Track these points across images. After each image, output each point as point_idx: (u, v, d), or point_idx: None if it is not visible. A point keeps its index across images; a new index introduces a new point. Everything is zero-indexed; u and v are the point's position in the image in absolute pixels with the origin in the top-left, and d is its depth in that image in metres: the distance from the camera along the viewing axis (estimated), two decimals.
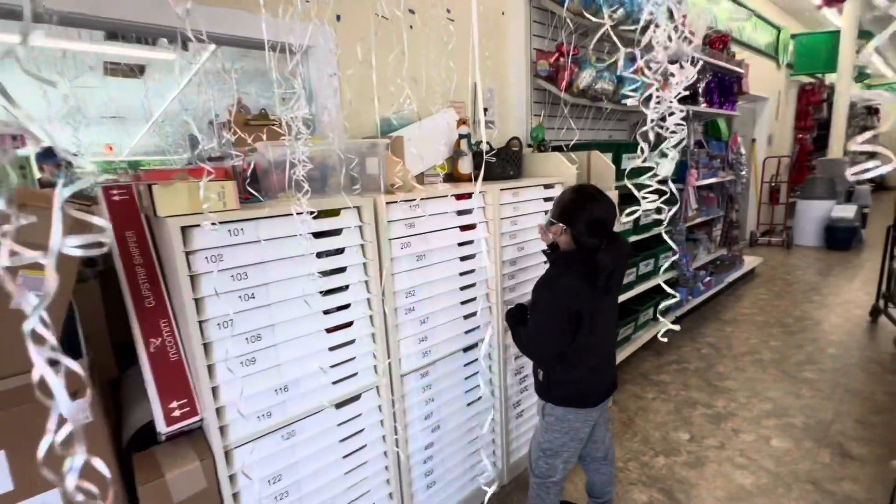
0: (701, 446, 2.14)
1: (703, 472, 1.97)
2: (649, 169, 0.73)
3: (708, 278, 3.94)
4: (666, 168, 0.69)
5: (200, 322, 1.06)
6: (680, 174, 3.21)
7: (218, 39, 1.68)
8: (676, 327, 0.76)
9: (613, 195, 2.26)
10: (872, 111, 10.94)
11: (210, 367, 1.10)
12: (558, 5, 2.47)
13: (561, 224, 1.33)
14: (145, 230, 1.30)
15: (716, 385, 2.68)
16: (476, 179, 1.40)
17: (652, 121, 0.69)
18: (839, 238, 5.76)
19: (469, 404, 1.74)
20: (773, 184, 6.52)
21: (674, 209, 0.79)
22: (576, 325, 1.31)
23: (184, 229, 1.03)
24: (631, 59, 0.78)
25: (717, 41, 3.68)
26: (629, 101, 0.76)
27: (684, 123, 0.72)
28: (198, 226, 1.03)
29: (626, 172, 0.95)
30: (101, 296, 1.29)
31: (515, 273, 1.84)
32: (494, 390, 1.83)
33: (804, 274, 4.90)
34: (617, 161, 2.58)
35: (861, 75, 7.01)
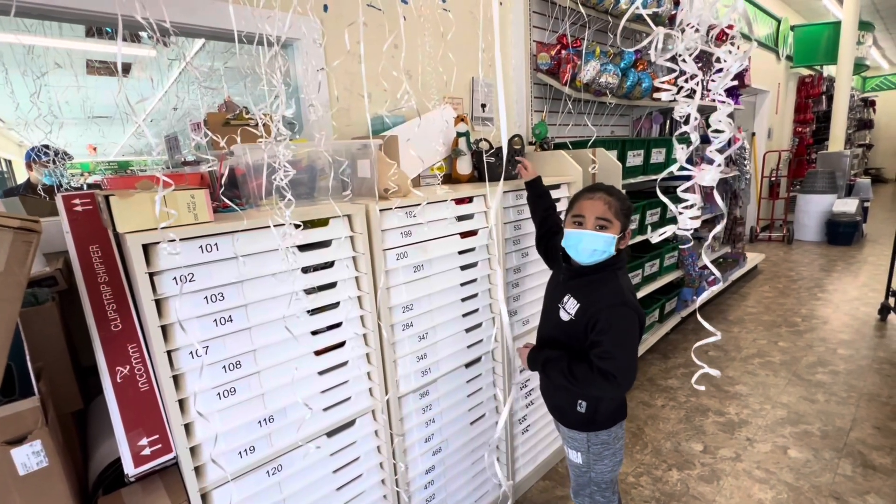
0: (716, 458, 2.04)
1: (720, 487, 1.87)
2: (680, 178, 0.60)
3: (712, 277, 3.84)
4: (711, 176, 0.57)
5: (169, 352, 0.93)
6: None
7: (194, 32, 1.54)
8: (717, 373, 0.64)
9: None
10: (869, 103, 10.90)
11: (182, 402, 0.97)
12: None
13: (629, 229, 1.22)
14: (112, 244, 1.16)
15: (726, 390, 2.58)
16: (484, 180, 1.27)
17: (696, 118, 0.57)
18: (841, 233, 5.68)
19: (472, 423, 1.63)
20: (772, 178, 6.44)
21: (720, 225, 0.67)
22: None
23: (148, 247, 0.89)
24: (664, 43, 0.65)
25: (722, 33, 3.56)
26: (663, 96, 0.64)
27: (731, 120, 0.60)
28: (163, 241, 0.89)
29: (658, 182, 0.82)
30: (62, 318, 1.15)
31: (520, 280, 1.72)
32: (499, 406, 1.71)
33: (807, 270, 4.81)
34: (622, 158, 2.47)
35: (858, 66, 6.91)
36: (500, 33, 2.38)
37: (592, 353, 1.13)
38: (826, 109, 7.27)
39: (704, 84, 0.56)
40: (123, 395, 1.06)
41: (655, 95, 0.64)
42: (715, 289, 3.90)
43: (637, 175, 2.63)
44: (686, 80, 0.57)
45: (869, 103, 10.87)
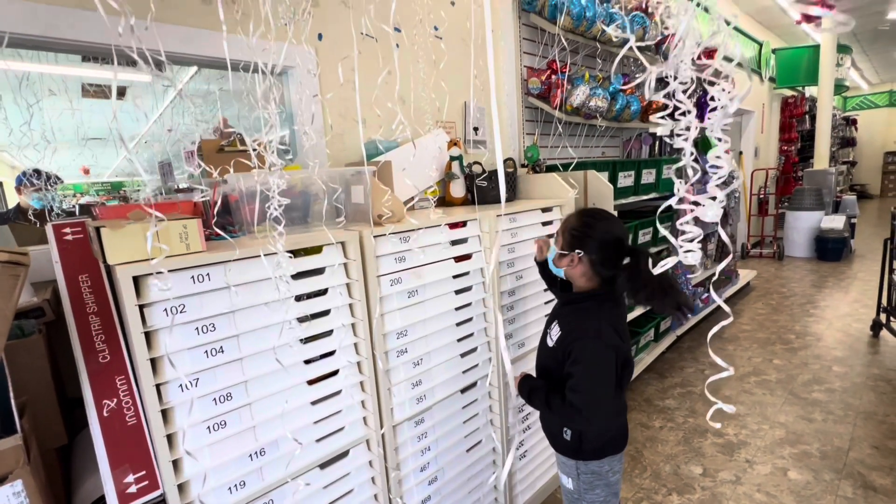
0: (715, 481, 2.01)
1: None
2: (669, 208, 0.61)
3: (706, 294, 3.85)
4: (712, 212, 0.57)
5: (158, 385, 0.91)
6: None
7: (190, 60, 1.56)
8: (731, 409, 0.64)
9: None
10: (851, 122, 11.20)
11: (171, 436, 0.94)
12: (548, 22, 2.41)
13: (576, 252, 1.16)
14: (102, 273, 1.15)
15: (724, 410, 2.56)
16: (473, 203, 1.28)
17: (692, 154, 0.58)
18: (830, 249, 5.76)
19: (468, 450, 1.60)
20: (761, 196, 6.55)
21: (725, 262, 0.68)
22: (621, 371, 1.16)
23: (138, 278, 0.88)
24: (658, 80, 0.68)
25: (706, 57, 3.66)
26: (659, 130, 0.65)
27: (730, 154, 0.61)
28: (155, 273, 0.88)
29: (658, 216, 0.84)
30: (48, 350, 1.13)
31: (515, 304, 1.72)
32: (496, 431, 1.69)
33: (799, 286, 4.85)
34: (613, 180, 2.50)
35: (838, 87, 7.15)
36: (492, 59, 2.44)
37: (567, 385, 1.12)
38: (810, 128, 7.46)
39: (699, 115, 0.57)
40: (110, 430, 1.03)
41: (651, 129, 0.66)
42: (708, 307, 3.91)
43: (628, 196, 2.66)
44: (682, 115, 0.58)
45: (851, 122, 11.19)
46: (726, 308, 0.79)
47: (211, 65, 1.61)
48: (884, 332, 3.35)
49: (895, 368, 2.92)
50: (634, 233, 2.71)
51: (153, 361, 0.91)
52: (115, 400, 1.06)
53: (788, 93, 7.54)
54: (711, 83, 0.54)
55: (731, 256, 0.82)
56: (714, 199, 0.56)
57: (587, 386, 1.09)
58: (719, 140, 0.55)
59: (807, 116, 7.58)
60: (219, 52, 1.52)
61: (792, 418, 2.45)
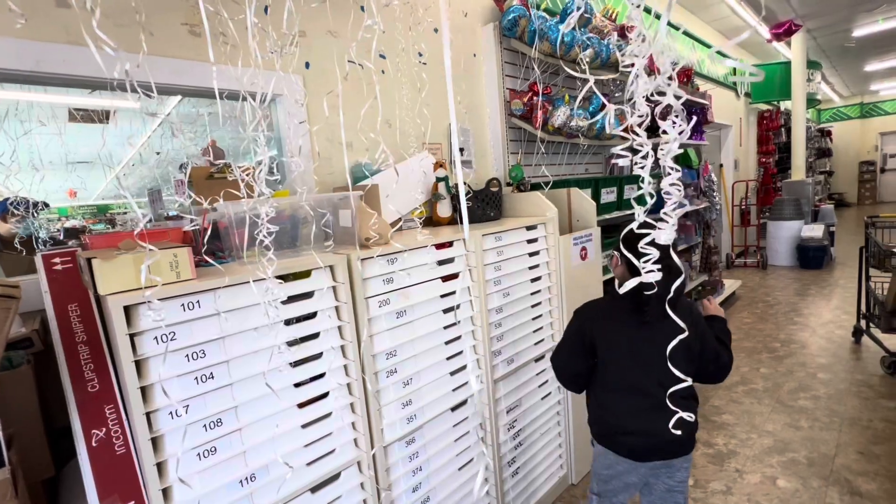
0: (706, 492, 2.02)
1: None
2: (645, 235, 0.65)
3: None
4: (666, 235, 0.62)
5: (148, 413, 0.92)
6: (658, 204, 3.22)
7: (182, 91, 1.60)
8: (691, 417, 0.67)
9: (596, 232, 2.22)
10: (825, 133, 11.59)
11: (160, 465, 0.95)
12: (528, 46, 2.50)
13: (616, 254, 1.36)
14: (91, 303, 1.16)
15: (713, 420, 2.59)
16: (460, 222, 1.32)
17: (650, 183, 0.63)
18: (811, 257, 5.90)
19: (460, 468, 1.60)
20: (742, 206, 6.72)
21: (679, 280, 0.72)
22: (591, 352, 1.30)
23: (129, 307, 0.90)
24: (619, 114, 0.73)
25: (682, 75, 3.81)
26: (620, 162, 0.70)
27: (681, 184, 0.66)
28: (145, 302, 0.90)
29: (622, 237, 0.88)
30: (36, 381, 1.13)
31: (502, 321, 1.75)
32: (487, 449, 1.69)
33: (783, 294, 4.96)
34: (596, 196, 2.57)
35: (811, 101, 7.46)
36: (475, 83, 2.52)
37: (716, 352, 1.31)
38: (786, 140, 7.71)
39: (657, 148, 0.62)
40: (98, 460, 1.03)
41: (613, 161, 0.70)
42: None
43: (612, 211, 2.73)
44: (640, 147, 0.63)
45: (826, 133, 11.58)
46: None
47: (199, 94, 1.65)
48: (865, 338, 3.43)
49: (877, 374, 2.98)
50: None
51: (143, 389, 0.92)
52: (105, 429, 1.06)
53: (764, 107, 7.81)
54: (664, 117, 0.59)
55: (682, 277, 0.86)
56: (668, 223, 0.61)
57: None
58: (670, 171, 0.60)
59: (783, 129, 7.84)
60: (207, 82, 1.56)
61: (779, 426, 2.48)
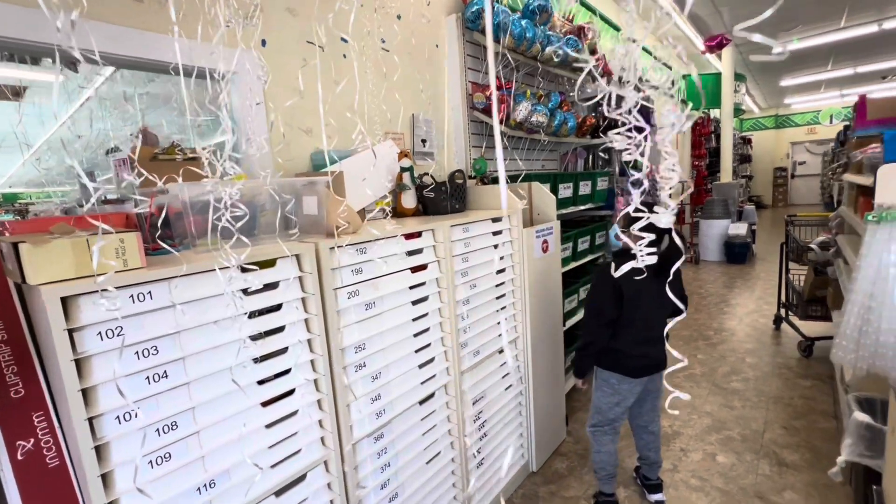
0: None
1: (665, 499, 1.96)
2: (639, 218, 0.67)
3: None
4: (666, 219, 0.63)
5: (91, 419, 0.82)
6: (609, 200, 3.37)
7: (118, 61, 1.43)
8: (686, 396, 0.70)
9: (556, 226, 2.27)
10: (747, 141, 12.73)
11: (106, 476, 0.84)
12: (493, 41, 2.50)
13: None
14: (13, 296, 1.01)
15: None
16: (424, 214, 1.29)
17: (647, 167, 0.63)
18: (737, 253, 6.46)
19: (428, 462, 1.58)
20: (679, 206, 7.21)
21: (681, 261, 0.74)
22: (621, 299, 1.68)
23: (66, 300, 0.79)
24: (575, 113, 0.74)
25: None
26: (616, 145, 0.71)
27: (678, 169, 0.68)
28: (87, 293, 0.79)
29: (618, 220, 0.91)
30: None
31: (469, 312, 1.74)
32: (454, 441, 1.69)
33: (713, 287, 5.38)
34: (554, 191, 2.63)
35: (736, 110, 8.19)
36: (437, 74, 2.49)
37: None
38: (716, 146, 8.37)
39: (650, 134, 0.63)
40: (26, 476, 0.90)
41: (609, 144, 0.71)
42: None
43: (568, 206, 2.81)
44: (637, 131, 0.64)
45: (747, 141, 12.73)
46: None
47: (139, 66, 1.49)
48: (784, 325, 3.80)
49: (795, 357, 3.32)
50: (574, 241, 2.86)
51: (84, 392, 0.82)
52: (33, 440, 0.93)
53: (697, 114, 8.44)
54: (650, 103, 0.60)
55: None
56: (666, 206, 0.62)
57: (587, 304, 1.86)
58: (667, 153, 0.61)
59: (713, 135, 8.51)
60: (150, 52, 1.41)
61: (716, 407, 2.69)
